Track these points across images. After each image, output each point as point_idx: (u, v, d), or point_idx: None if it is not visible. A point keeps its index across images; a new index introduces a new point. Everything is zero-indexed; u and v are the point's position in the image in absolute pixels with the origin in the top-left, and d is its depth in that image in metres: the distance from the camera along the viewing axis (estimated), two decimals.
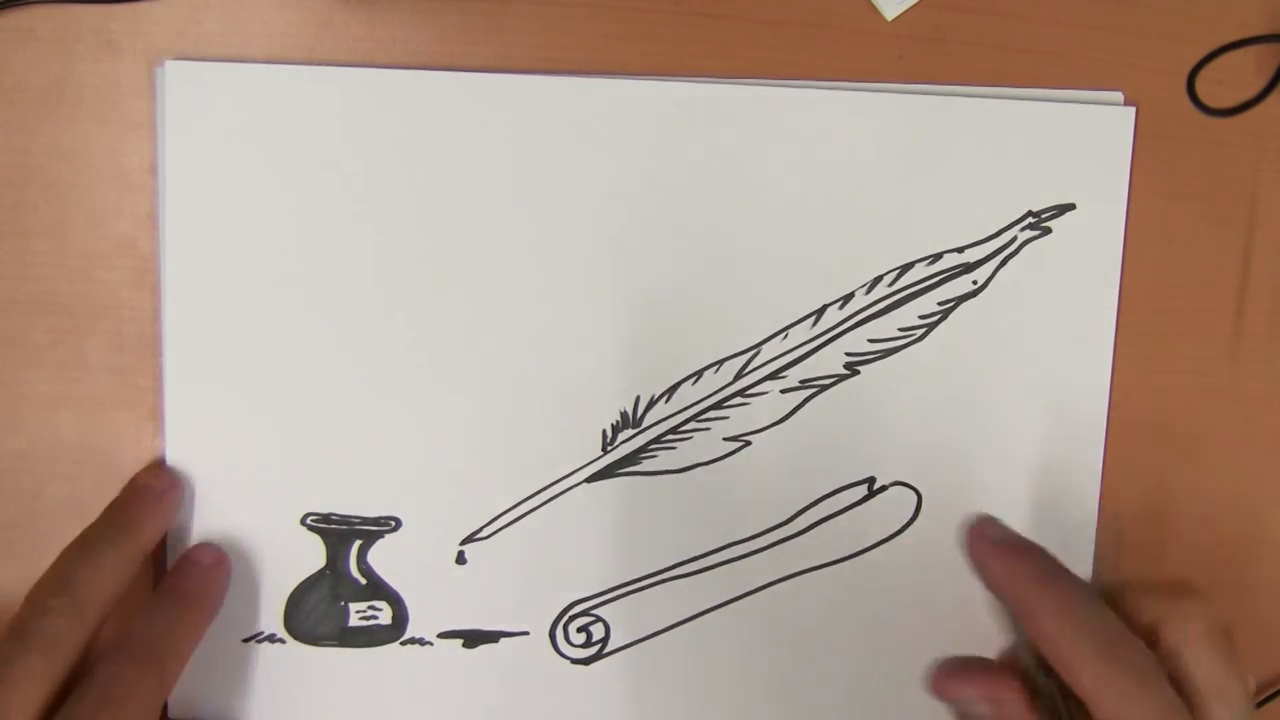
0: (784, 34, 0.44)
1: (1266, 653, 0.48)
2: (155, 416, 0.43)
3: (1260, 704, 0.47)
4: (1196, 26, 0.45)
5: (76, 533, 0.42)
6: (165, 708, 0.44)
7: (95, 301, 0.43)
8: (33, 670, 0.37)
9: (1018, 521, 0.45)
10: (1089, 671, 0.34)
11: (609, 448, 0.44)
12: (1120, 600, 0.36)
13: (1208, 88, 0.44)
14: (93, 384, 0.43)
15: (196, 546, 0.43)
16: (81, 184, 0.43)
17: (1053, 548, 0.44)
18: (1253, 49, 0.45)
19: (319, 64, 0.43)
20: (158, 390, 0.43)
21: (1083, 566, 0.46)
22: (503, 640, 0.45)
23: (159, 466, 0.43)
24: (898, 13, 0.44)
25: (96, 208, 0.43)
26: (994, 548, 0.37)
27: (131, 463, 0.43)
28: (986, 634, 0.46)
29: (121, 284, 0.43)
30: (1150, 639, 0.35)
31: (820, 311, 0.45)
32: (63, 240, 0.43)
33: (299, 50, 0.43)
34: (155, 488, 0.42)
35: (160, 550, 0.43)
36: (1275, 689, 0.47)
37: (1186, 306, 0.46)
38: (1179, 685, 0.35)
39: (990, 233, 0.45)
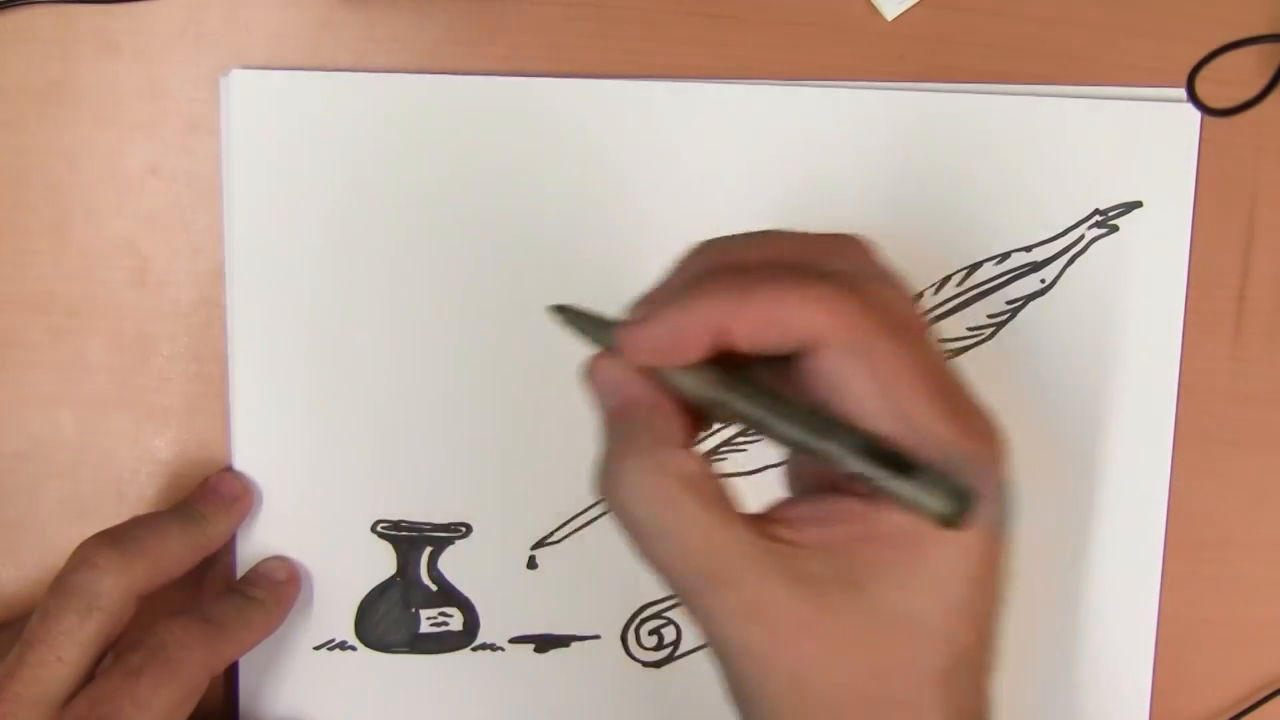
0: (784, 34, 0.44)
1: (1266, 653, 0.48)
2: (156, 416, 0.43)
3: (1260, 704, 0.47)
4: (1196, 26, 0.45)
5: (76, 533, 0.42)
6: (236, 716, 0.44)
7: (95, 301, 0.43)
8: (69, 628, 0.37)
9: (1085, 520, 0.46)
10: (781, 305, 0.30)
11: None
12: (782, 254, 0.32)
13: (1208, 88, 0.44)
14: (93, 384, 0.43)
15: (271, 560, 0.43)
16: (81, 184, 0.43)
17: (1122, 543, 0.46)
18: (1253, 49, 0.45)
19: (319, 65, 0.43)
20: (158, 390, 0.43)
21: (1153, 565, 0.46)
22: (574, 644, 0.45)
23: (230, 472, 0.43)
24: (898, 13, 0.44)
25: (96, 208, 0.43)
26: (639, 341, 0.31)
27: (131, 462, 0.43)
28: (1060, 631, 0.46)
29: (121, 284, 0.43)
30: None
31: None
32: (62, 240, 0.43)
33: (299, 51, 0.43)
34: (226, 492, 0.42)
35: (229, 557, 0.43)
36: (1275, 689, 0.47)
37: (1187, 306, 0.46)
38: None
39: (1058, 231, 0.45)
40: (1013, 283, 0.45)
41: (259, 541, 0.43)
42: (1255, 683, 0.48)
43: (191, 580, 0.41)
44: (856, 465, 0.29)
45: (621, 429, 0.32)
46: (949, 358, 0.33)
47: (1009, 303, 0.45)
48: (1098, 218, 0.45)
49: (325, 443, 0.43)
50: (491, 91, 0.43)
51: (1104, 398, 0.46)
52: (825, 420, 0.30)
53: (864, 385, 0.29)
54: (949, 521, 0.29)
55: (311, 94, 0.42)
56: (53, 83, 0.42)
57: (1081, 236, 0.45)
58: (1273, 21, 0.45)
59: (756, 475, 0.45)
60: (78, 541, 0.39)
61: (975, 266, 0.45)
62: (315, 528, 0.43)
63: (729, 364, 0.31)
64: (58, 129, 0.42)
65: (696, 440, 0.32)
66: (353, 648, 0.44)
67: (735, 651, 0.31)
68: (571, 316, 0.35)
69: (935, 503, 0.29)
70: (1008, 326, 0.45)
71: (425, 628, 0.44)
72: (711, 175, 0.44)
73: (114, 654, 0.38)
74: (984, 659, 0.32)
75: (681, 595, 0.31)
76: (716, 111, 0.43)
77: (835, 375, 0.30)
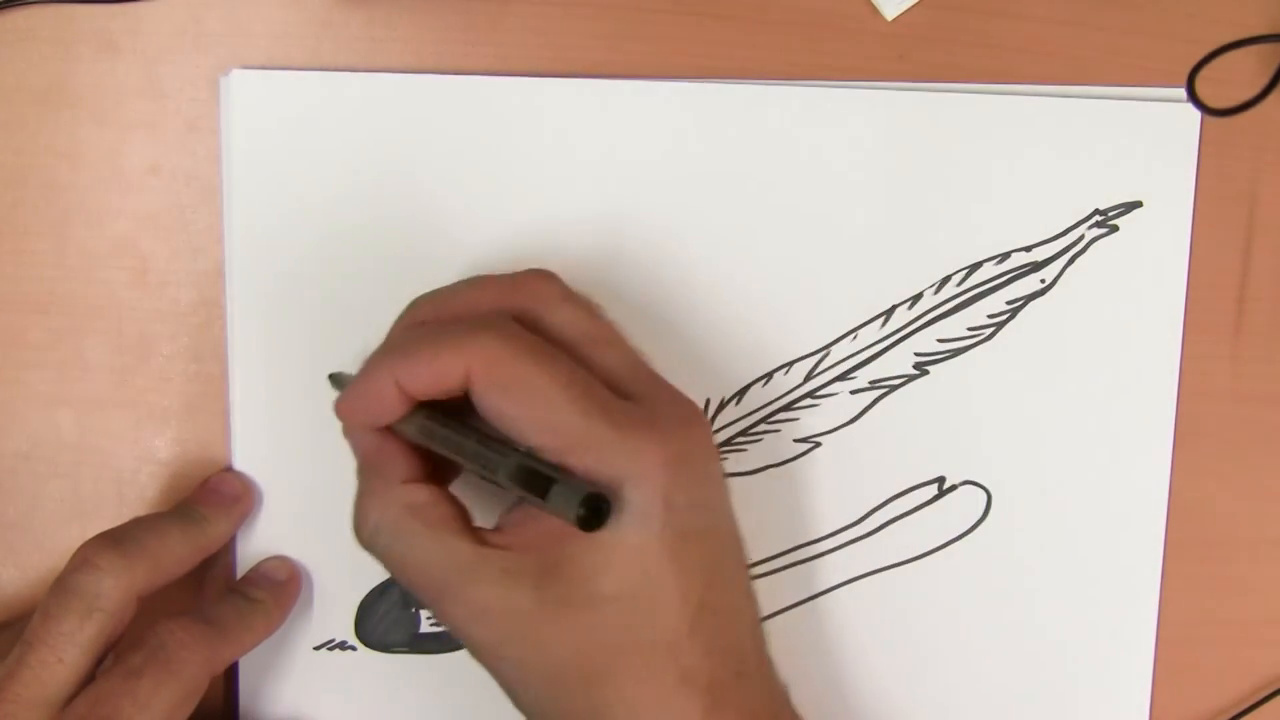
0: (784, 34, 0.44)
1: (1266, 653, 0.48)
2: (156, 416, 0.43)
3: (1260, 704, 0.47)
4: (1196, 26, 0.45)
5: (76, 533, 0.42)
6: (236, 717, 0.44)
7: (95, 301, 0.43)
8: (70, 629, 0.37)
9: (1085, 520, 0.46)
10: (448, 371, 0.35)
11: None
12: (474, 300, 0.38)
13: (1208, 88, 0.44)
14: (93, 384, 0.43)
15: (272, 560, 0.43)
16: (81, 184, 0.43)
17: (1122, 543, 0.46)
18: (1253, 49, 0.45)
19: (319, 65, 0.43)
20: (158, 390, 0.43)
21: (1153, 566, 0.46)
22: None
23: (230, 473, 0.43)
24: (898, 13, 0.44)
25: (96, 208, 0.43)
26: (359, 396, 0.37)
27: (131, 462, 0.43)
28: (1060, 631, 0.46)
29: (121, 284, 0.43)
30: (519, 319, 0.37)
31: (889, 312, 0.45)
32: (62, 240, 0.43)
33: (299, 51, 0.43)
34: (226, 492, 0.42)
35: (229, 557, 0.43)
36: (1275, 689, 0.47)
37: (1187, 306, 0.46)
38: (559, 347, 0.36)
39: (1058, 231, 0.45)
40: (1013, 283, 0.45)
41: (259, 541, 0.43)
42: (1255, 683, 0.48)
43: (192, 580, 0.41)
44: (512, 487, 0.35)
45: (364, 474, 0.38)
46: (627, 360, 0.37)
47: (1009, 303, 0.45)
48: (1098, 218, 0.45)
49: (325, 443, 0.43)
50: (491, 91, 0.43)
51: (1104, 398, 0.46)
52: (493, 449, 0.35)
53: (514, 410, 0.35)
54: (586, 525, 0.33)
55: (311, 94, 0.42)
56: (53, 83, 0.42)
57: (1081, 236, 0.45)
58: (1273, 21, 0.45)
59: (756, 475, 0.45)
60: (78, 541, 0.39)
61: (975, 266, 0.45)
62: (315, 528, 0.43)
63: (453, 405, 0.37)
64: (58, 129, 0.42)
65: (430, 473, 0.38)
66: (353, 648, 0.44)
67: (474, 650, 0.36)
68: (339, 381, 0.41)
69: (572, 511, 0.33)
70: (1008, 326, 0.45)
71: (425, 628, 0.44)
72: (711, 175, 0.44)
73: (114, 655, 0.38)
74: (709, 625, 0.35)
75: (429, 609, 0.37)
76: (716, 111, 0.43)
77: (491, 406, 0.35)
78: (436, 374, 0.35)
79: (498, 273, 0.42)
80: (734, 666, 0.36)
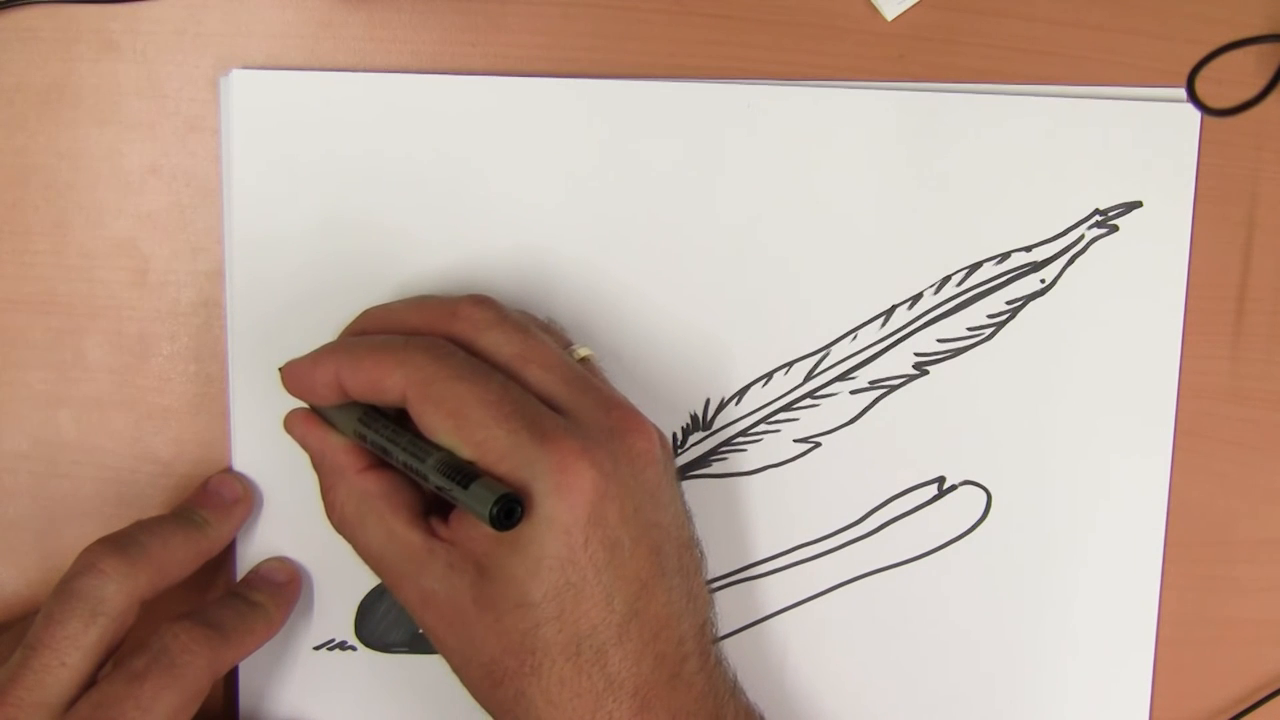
0: (784, 34, 0.44)
1: (1266, 653, 0.48)
2: (155, 416, 0.43)
3: (1260, 704, 0.47)
4: (1196, 26, 0.45)
5: (76, 533, 0.42)
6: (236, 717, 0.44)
7: (95, 301, 0.43)
8: (73, 633, 0.37)
9: (1085, 520, 0.46)
10: (397, 385, 0.37)
11: (679, 450, 0.45)
12: (413, 324, 0.39)
13: (1208, 88, 0.44)
14: (93, 384, 0.43)
15: (271, 561, 0.43)
16: (81, 184, 0.43)
17: (1122, 543, 0.46)
18: (1253, 49, 0.45)
19: (319, 65, 0.43)
20: (158, 390, 0.43)
21: (1153, 566, 0.46)
22: None
23: (230, 474, 0.43)
24: (898, 13, 0.44)
25: (96, 208, 0.43)
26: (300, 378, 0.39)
27: (131, 462, 0.43)
28: (1060, 631, 0.46)
29: (121, 284, 0.43)
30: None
31: (889, 312, 0.45)
32: (63, 240, 0.43)
33: (299, 51, 0.43)
34: (226, 495, 0.42)
35: (230, 557, 0.43)
36: (1276, 689, 0.47)
37: (1187, 306, 0.46)
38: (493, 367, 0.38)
39: (1058, 231, 0.45)
40: (1013, 283, 0.45)
41: (259, 542, 0.43)
42: (1255, 683, 0.48)
43: (192, 582, 0.41)
44: (436, 481, 0.36)
45: (322, 469, 0.40)
46: (562, 377, 0.38)
47: (1009, 303, 0.45)
48: (1098, 218, 0.45)
49: None
50: (491, 91, 0.43)
51: (1104, 397, 0.46)
52: (422, 449, 0.37)
53: (444, 424, 0.36)
54: (498, 524, 0.34)
55: (311, 94, 0.42)
56: (53, 83, 0.42)
57: (1081, 236, 0.45)
58: (1273, 21, 0.45)
59: (756, 475, 0.45)
60: (77, 541, 0.39)
61: (975, 266, 0.45)
62: (315, 528, 0.43)
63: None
64: (58, 129, 0.42)
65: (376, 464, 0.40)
66: (353, 648, 0.44)
67: (425, 632, 0.38)
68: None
69: (485, 509, 0.34)
70: (1008, 326, 0.45)
71: None
72: (712, 175, 0.44)
73: (116, 659, 0.38)
74: (639, 632, 0.36)
75: (391, 593, 0.39)
76: (716, 111, 0.43)
77: (425, 421, 0.37)
78: (373, 382, 0.37)
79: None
80: (668, 670, 0.37)
